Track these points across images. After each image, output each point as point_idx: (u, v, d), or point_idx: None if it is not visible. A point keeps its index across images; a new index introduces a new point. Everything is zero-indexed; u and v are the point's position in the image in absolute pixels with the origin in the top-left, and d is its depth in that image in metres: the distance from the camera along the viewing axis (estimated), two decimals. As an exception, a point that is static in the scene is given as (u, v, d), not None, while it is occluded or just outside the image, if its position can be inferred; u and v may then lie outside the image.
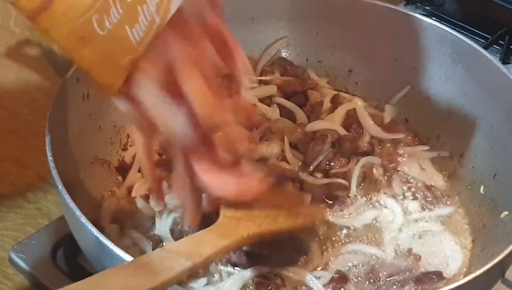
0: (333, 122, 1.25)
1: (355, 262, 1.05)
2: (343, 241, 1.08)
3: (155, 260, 0.81)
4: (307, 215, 1.05)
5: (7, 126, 1.24)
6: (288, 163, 1.19)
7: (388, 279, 1.03)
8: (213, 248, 0.87)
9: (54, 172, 0.92)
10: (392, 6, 1.27)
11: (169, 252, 0.84)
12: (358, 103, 1.31)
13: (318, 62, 1.37)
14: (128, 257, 0.82)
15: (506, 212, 1.06)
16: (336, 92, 1.34)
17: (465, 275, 0.99)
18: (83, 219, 0.87)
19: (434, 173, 1.22)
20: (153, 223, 1.07)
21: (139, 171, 1.15)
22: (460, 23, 1.63)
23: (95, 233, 0.85)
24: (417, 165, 1.22)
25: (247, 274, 0.99)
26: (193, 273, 0.89)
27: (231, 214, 0.93)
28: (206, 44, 0.83)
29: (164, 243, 1.04)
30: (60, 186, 0.90)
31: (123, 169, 1.17)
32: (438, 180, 1.21)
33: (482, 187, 1.15)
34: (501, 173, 1.12)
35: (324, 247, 1.07)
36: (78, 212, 0.88)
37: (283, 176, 1.15)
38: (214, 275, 1.00)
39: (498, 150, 1.13)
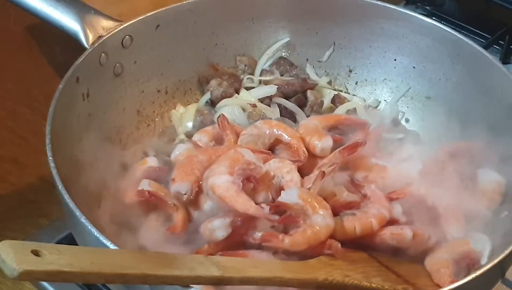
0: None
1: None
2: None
3: (183, 259, 0.81)
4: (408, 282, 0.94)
5: (7, 126, 1.24)
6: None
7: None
8: (260, 273, 0.82)
9: (54, 172, 0.92)
10: (392, 6, 1.28)
11: (206, 259, 0.82)
12: (358, 103, 1.31)
13: (318, 62, 1.37)
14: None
15: (506, 212, 1.06)
16: (336, 92, 1.34)
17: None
18: (83, 219, 0.87)
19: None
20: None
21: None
22: (460, 23, 1.63)
23: (95, 233, 0.85)
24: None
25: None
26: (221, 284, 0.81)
27: (325, 259, 0.90)
28: None
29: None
30: (60, 186, 0.91)
31: (123, 169, 1.16)
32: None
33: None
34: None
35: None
36: (78, 212, 0.88)
37: None
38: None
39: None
